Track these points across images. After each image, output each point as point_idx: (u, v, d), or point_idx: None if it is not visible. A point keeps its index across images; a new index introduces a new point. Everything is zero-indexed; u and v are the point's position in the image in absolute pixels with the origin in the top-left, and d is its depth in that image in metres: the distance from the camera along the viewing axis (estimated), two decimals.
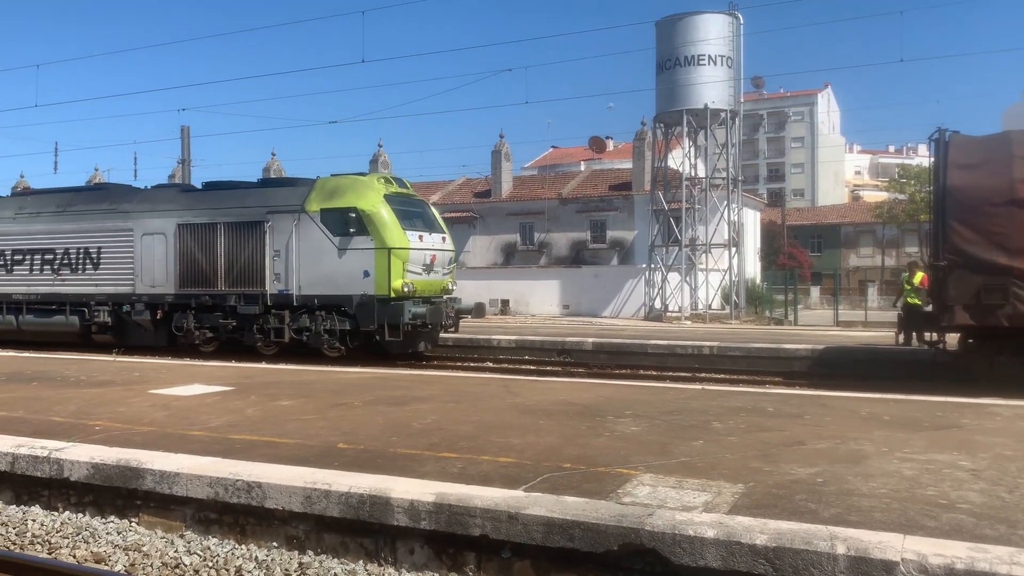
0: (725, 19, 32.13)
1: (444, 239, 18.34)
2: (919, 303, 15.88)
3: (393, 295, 16.45)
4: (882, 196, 71.35)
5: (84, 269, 19.80)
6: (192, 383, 11.20)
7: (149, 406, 9.21)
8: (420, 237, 17.28)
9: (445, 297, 17.97)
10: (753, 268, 41.98)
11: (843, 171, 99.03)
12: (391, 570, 5.32)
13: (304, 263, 17.20)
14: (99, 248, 19.61)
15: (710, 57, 31.64)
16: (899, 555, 4.08)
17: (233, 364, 14.93)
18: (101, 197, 20.52)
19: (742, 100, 34.79)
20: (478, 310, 18.92)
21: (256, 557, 5.58)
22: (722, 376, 15.42)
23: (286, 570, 5.39)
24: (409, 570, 5.28)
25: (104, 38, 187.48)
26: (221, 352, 18.02)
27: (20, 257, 20.66)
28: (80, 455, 6.52)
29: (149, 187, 21.18)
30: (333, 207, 16.99)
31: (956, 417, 8.21)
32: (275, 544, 5.71)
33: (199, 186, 20.29)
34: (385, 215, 16.69)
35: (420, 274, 17.12)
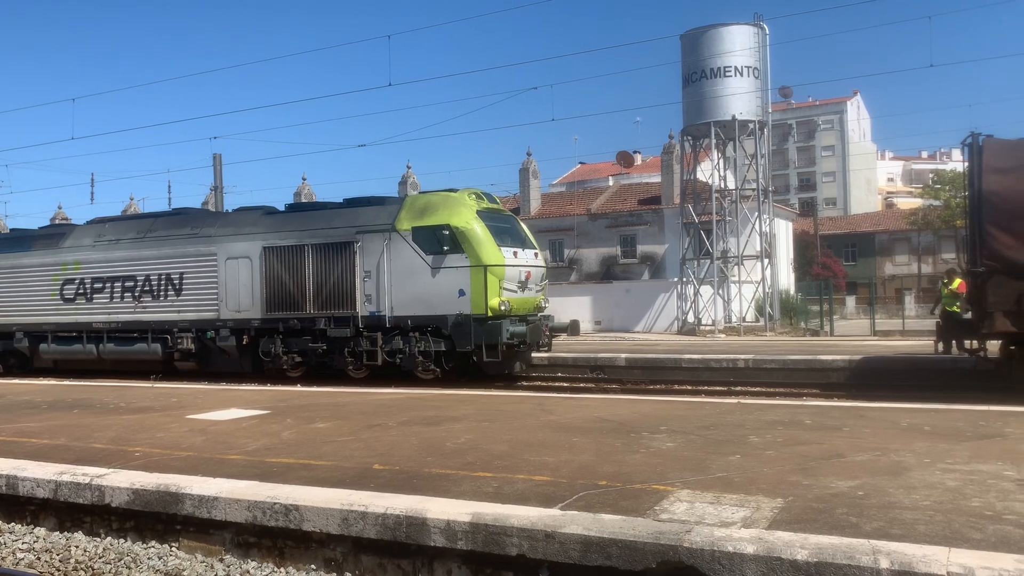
0: (750, 30, 32.07)
1: (536, 255, 17.92)
2: (958, 310, 15.60)
3: (490, 314, 15.92)
4: (916, 203, 70.37)
5: (166, 295, 19.48)
6: (229, 407, 11.32)
7: (187, 431, 9.32)
8: (515, 253, 16.83)
9: (539, 315, 17.48)
10: (787, 279, 41.58)
11: (875, 178, 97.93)
12: None
13: (396, 283, 16.76)
14: (181, 274, 19.31)
15: (736, 68, 31.58)
16: (945, 568, 4.00)
17: (269, 388, 15.08)
18: (182, 222, 20.21)
19: (770, 110, 34.63)
20: (573, 327, 18.36)
21: None
22: (758, 389, 15.25)
23: None
24: None
25: (136, 70, 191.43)
26: (308, 377, 17.69)
27: (100, 285, 20.34)
28: (121, 481, 6.61)
29: (230, 211, 21.09)
30: (425, 225, 16.55)
31: (1000, 426, 8.04)
32: (313, 567, 5.74)
33: (281, 208, 19.92)
34: (479, 231, 16.25)
35: (515, 291, 16.63)
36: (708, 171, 34.11)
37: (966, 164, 13.11)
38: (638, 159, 55.94)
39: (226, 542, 6.12)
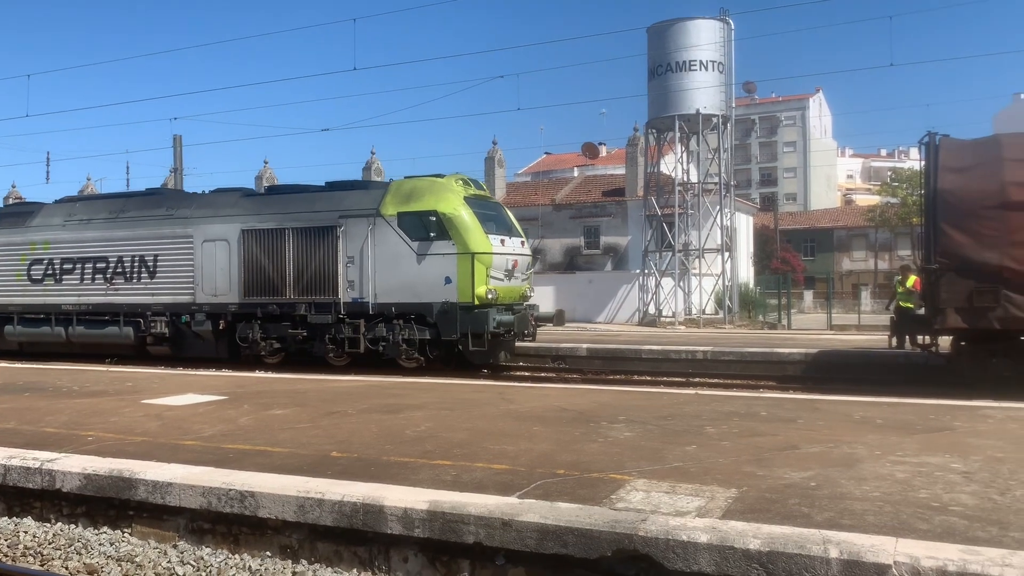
0: (716, 25, 32.29)
1: (523, 243, 17.72)
2: (912, 306, 15.92)
3: (477, 302, 15.72)
4: (874, 200, 71.62)
5: (139, 278, 19.01)
6: (186, 393, 11.17)
7: (142, 416, 9.18)
8: (502, 241, 16.62)
9: (525, 304, 17.31)
10: (746, 272, 42.07)
11: (835, 175, 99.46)
12: None
13: (380, 270, 16.49)
14: (156, 256, 18.84)
15: (702, 63, 31.79)
16: (892, 558, 4.09)
17: (227, 373, 14.90)
18: (157, 203, 19.67)
19: (734, 105, 34.94)
20: (559, 317, 18.21)
21: (250, 567, 5.57)
22: (716, 381, 15.43)
23: None
24: None
25: (95, 48, 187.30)
26: (286, 364, 17.34)
27: (70, 266, 19.75)
28: (72, 466, 6.49)
29: (207, 192, 20.68)
30: (411, 210, 16.28)
31: (948, 420, 8.23)
32: (269, 553, 5.70)
33: (261, 190, 19.49)
34: (467, 218, 15.99)
35: (502, 280, 16.40)
36: (672, 164, 34.34)
37: (923, 163, 13.38)
38: (603, 151, 56.14)
39: (180, 528, 6.04)
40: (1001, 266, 11.87)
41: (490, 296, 15.81)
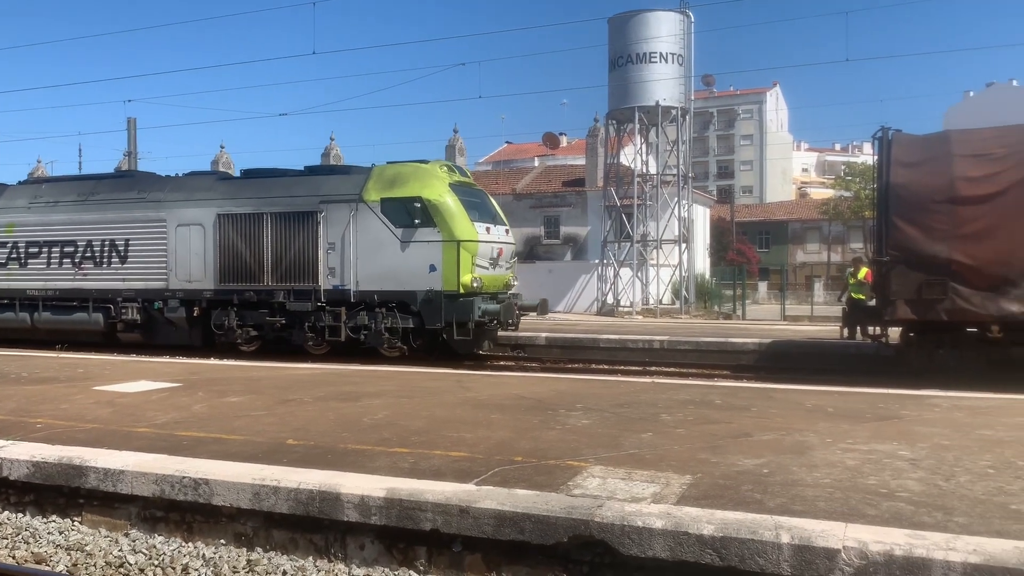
0: (676, 17, 32.44)
1: (507, 231, 17.52)
2: (863, 298, 16.22)
3: (462, 291, 15.54)
4: (828, 193, 72.77)
5: (110, 263, 18.42)
6: (138, 379, 10.97)
7: (93, 403, 8.99)
8: (487, 229, 16.41)
9: (509, 293, 17.13)
10: (703, 263, 42.51)
11: (791, 168, 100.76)
12: (341, 566, 5.28)
13: (362, 256, 16.21)
14: (127, 240, 18.29)
15: (662, 55, 31.94)
16: (841, 543, 4.17)
17: (181, 360, 14.67)
18: (128, 185, 19.10)
19: (692, 98, 35.20)
20: (543, 307, 18.05)
21: (203, 555, 5.50)
22: (672, 369, 15.59)
23: (234, 567, 5.32)
24: (359, 565, 5.25)
25: (45, 26, 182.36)
26: (263, 352, 16.97)
27: (36, 250, 19.06)
28: (20, 453, 6.34)
29: (181, 175, 20.09)
30: (395, 196, 16.01)
31: (897, 408, 8.42)
32: (223, 541, 5.63)
33: (236, 174, 18.73)
34: (452, 205, 15.77)
35: (487, 268, 16.21)
36: (631, 155, 34.51)
37: (876, 157, 13.61)
38: (564, 141, 56.27)
39: (132, 516, 5.94)
40: (950, 259, 12.15)
41: (475, 284, 15.66)
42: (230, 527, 5.64)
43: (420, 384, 10.56)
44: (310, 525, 5.39)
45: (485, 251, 16.17)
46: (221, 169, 37.84)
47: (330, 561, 5.33)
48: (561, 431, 7.20)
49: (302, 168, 18.10)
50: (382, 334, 16.05)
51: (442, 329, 15.74)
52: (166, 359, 14.84)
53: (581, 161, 42.10)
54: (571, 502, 4.86)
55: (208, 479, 5.61)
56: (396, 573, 5.12)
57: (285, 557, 5.41)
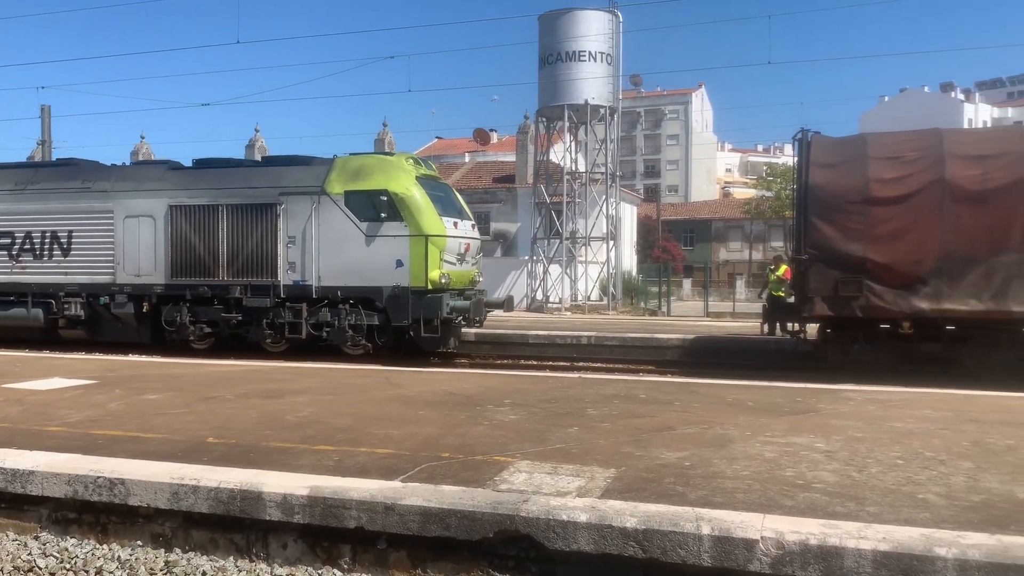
0: (605, 16, 32.73)
1: (473, 226, 17.17)
2: (783, 295, 16.67)
3: (430, 287, 15.22)
4: (750, 193, 74.56)
5: (51, 255, 17.47)
6: (51, 376, 10.55)
7: (1, 401, 8.61)
8: (455, 224, 16.08)
9: (475, 289, 16.84)
10: (630, 261, 43.08)
11: (715, 168, 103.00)
12: (263, 565, 5.17)
13: (325, 251, 15.72)
14: (70, 232, 17.36)
15: (591, 53, 32.19)
16: (759, 533, 4.27)
17: (97, 357, 14.17)
18: (71, 174, 18.13)
19: (621, 97, 35.57)
20: (508, 303, 17.73)
21: (119, 557, 5.32)
22: (599, 365, 15.78)
23: (151, 569, 5.16)
24: (282, 564, 5.15)
25: None
26: (217, 350, 16.34)
27: None
28: None
29: (129, 164, 18.98)
30: (360, 189, 15.54)
31: (814, 402, 8.68)
32: (139, 543, 5.46)
33: (188, 164, 18.05)
34: (420, 199, 15.40)
35: (454, 264, 15.88)
36: (561, 153, 34.73)
37: (796, 159, 13.99)
38: (494, 137, 56.28)
39: (42, 519, 5.71)
40: (864, 258, 12.57)
41: (443, 280, 15.34)
42: (147, 528, 5.48)
43: (347, 381, 10.43)
44: (231, 525, 5.26)
45: (453, 246, 15.89)
46: (141, 159, 36.67)
47: (251, 561, 5.22)
48: (489, 427, 7.20)
49: (259, 159, 17.51)
50: (346, 331, 15.62)
51: (409, 326, 15.40)
52: (82, 355, 14.32)
53: (511, 158, 42.17)
54: (497, 497, 4.86)
55: (124, 479, 5.43)
56: (319, 572, 5.04)
57: (205, 558, 5.28)
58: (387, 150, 41.64)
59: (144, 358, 14.12)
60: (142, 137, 44.80)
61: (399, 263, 15.32)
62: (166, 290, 16.83)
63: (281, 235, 16.02)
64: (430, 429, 7.06)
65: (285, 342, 16.36)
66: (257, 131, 44.00)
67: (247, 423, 7.38)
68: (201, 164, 18.25)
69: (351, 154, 16.83)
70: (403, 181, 15.59)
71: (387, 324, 15.58)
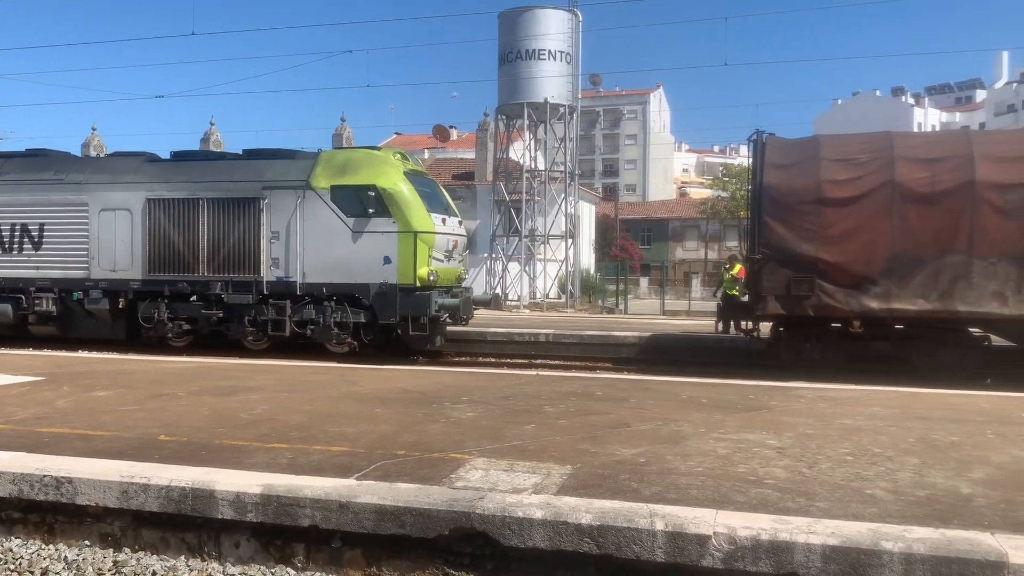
0: (565, 15, 32.85)
1: (460, 223, 16.93)
2: (737, 293, 16.89)
3: (418, 284, 14.96)
4: (706, 193, 75.41)
5: (21, 249, 16.84)
6: None
7: None
8: (443, 220, 15.85)
9: (462, 286, 16.61)
10: (588, 259, 43.32)
11: (672, 168, 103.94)
12: (215, 564, 5.09)
13: (310, 247, 15.40)
14: (41, 225, 16.76)
15: (550, 52, 32.28)
16: (712, 529, 4.32)
17: (45, 353, 13.84)
18: (42, 165, 17.54)
19: (580, 96, 35.74)
20: (495, 301, 17.50)
21: (65, 557, 5.20)
22: (557, 362, 15.84)
23: (99, 569, 5.05)
24: (234, 563, 5.08)
25: None
26: (195, 347, 15.91)
27: None
28: None
29: (103, 156, 18.27)
30: (347, 184, 15.22)
31: (766, 399, 8.80)
32: (87, 543, 5.34)
33: (165, 156, 17.53)
34: (408, 194, 15.10)
35: (442, 261, 15.65)
36: (520, 151, 34.78)
37: (751, 159, 14.19)
38: (454, 134, 56.13)
39: None
40: (816, 258, 12.80)
41: (432, 278, 15.13)
42: (95, 527, 5.36)
43: (302, 378, 10.33)
44: (182, 523, 5.17)
45: (441, 243, 15.67)
46: (92, 152, 35.89)
47: (203, 560, 5.14)
48: (445, 424, 7.18)
49: (240, 152, 17.08)
50: (331, 329, 15.33)
51: (397, 324, 15.17)
52: (30, 351, 13.97)
53: (471, 155, 42.14)
54: (453, 495, 4.85)
55: (72, 477, 5.30)
56: (273, 571, 4.98)
57: (155, 557, 5.18)
58: (346, 146, 41.31)
59: (95, 354, 13.82)
60: (93, 129, 43.87)
61: (387, 260, 15.08)
62: (143, 286, 16.42)
63: (264, 230, 15.72)
64: (386, 427, 7.01)
65: (267, 340, 16.07)
66: (212, 125, 43.31)
67: (200, 420, 7.26)
68: (180, 157, 17.89)
69: (337, 148, 16.59)
70: (391, 176, 15.36)
71: (374, 322, 15.34)
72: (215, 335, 16.33)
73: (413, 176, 15.88)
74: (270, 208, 15.70)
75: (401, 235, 15.01)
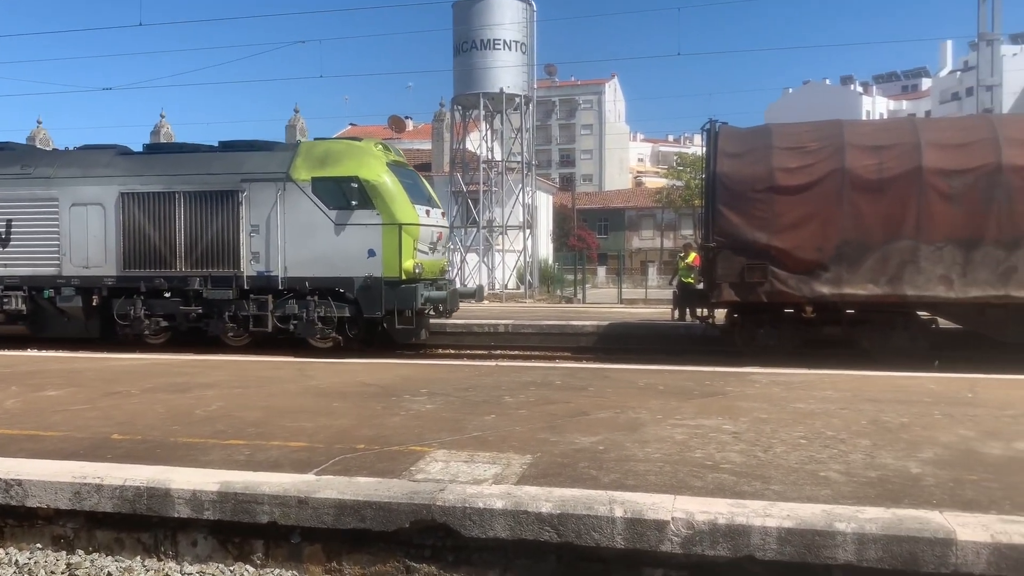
0: (520, 5, 32.80)
1: (443, 215, 16.61)
2: (692, 281, 17.06)
3: (404, 277, 14.69)
4: (662, 183, 75.98)
5: None
6: None
7: None
8: (427, 212, 15.57)
9: (446, 279, 16.30)
10: (546, 249, 43.46)
11: (628, 158, 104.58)
12: (172, 564, 5.02)
13: (291, 240, 15.05)
14: (9, 220, 16.14)
15: (505, 42, 32.23)
16: (670, 514, 4.37)
17: None
18: (8, 159, 16.87)
19: (535, 86, 35.76)
20: (479, 293, 17.32)
21: (16, 561, 5.08)
22: (516, 352, 15.85)
23: (52, 572, 4.95)
24: (192, 562, 5.01)
25: None
26: (173, 345, 15.46)
27: None
28: None
29: (72, 149, 17.33)
30: (329, 176, 14.88)
31: (722, 385, 8.92)
32: (39, 546, 5.23)
33: (138, 149, 16.90)
34: (392, 186, 14.82)
35: (427, 253, 15.40)
36: (477, 141, 34.70)
37: (704, 148, 14.31)
38: (410, 125, 55.85)
39: None
40: (769, 245, 12.97)
41: (417, 271, 14.88)
42: (47, 530, 5.24)
43: (258, 373, 10.21)
44: (137, 523, 5.09)
45: (426, 235, 15.43)
46: (39, 146, 34.94)
47: (160, 560, 5.06)
48: (405, 417, 7.15)
49: (215, 144, 16.65)
50: (315, 324, 15.04)
51: (382, 318, 14.94)
52: None
53: (427, 146, 41.93)
54: (413, 487, 4.83)
55: (21, 479, 5.18)
56: (231, 568, 4.93)
57: (110, 558, 5.09)
58: (300, 138, 40.82)
59: (45, 353, 13.51)
60: (39, 122, 42.66)
61: (371, 252, 14.81)
62: (118, 282, 15.95)
63: (244, 224, 15.36)
64: (344, 421, 6.96)
65: (248, 336, 15.74)
66: (163, 117, 42.55)
67: (154, 418, 7.14)
68: (153, 149, 17.32)
69: (316, 139, 16.32)
70: (374, 167, 15.08)
71: (359, 316, 15.10)
72: (194, 332, 15.99)
73: (395, 167, 15.67)
74: (249, 201, 15.37)
75: (385, 227, 14.79)
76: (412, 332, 15.33)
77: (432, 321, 18.36)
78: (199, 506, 4.92)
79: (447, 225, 17.17)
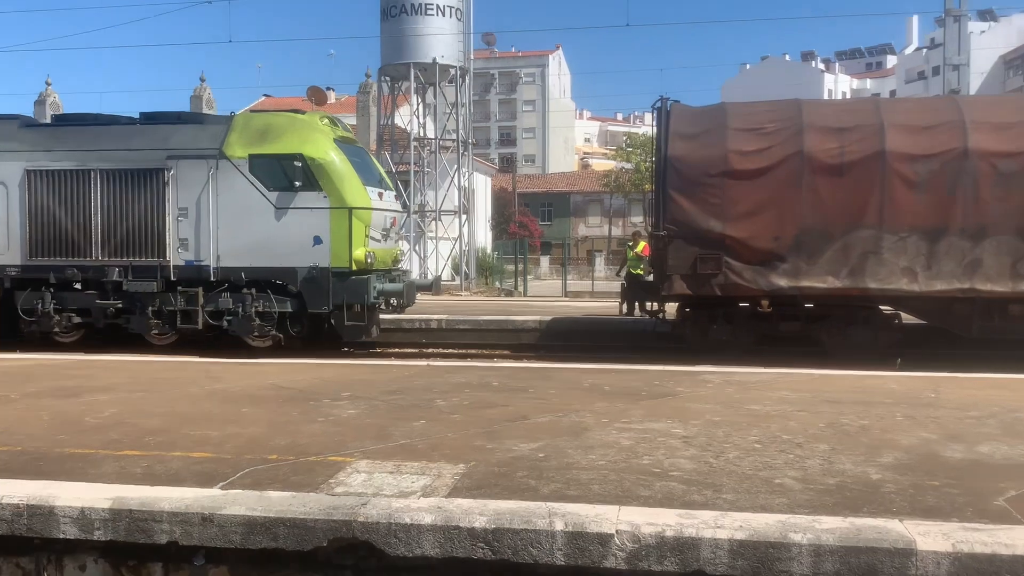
0: None
1: (397, 198, 16.01)
2: (641, 272, 17.26)
3: (354, 267, 14.24)
4: (610, 165, 76.75)
5: None
6: None
7: None
8: (380, 195, 15.09)
9: (400, 269, 15.93)
10: (484, 237, 43.48)
11: (573, 138, 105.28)
12: None
13: (225, 226, 14.52)
14: None
15: (438, 7, 32.03)
16: (614, 527, 4.41)
17: None
18: None
19: (472, 57, 35.69)
20: (436, 285, 16.99)
21: None
22: (450, 351, 15.84)
23: None
24: None
25: None
26: (88, 343, 14.84)
27: None
28: None
29: None
30: (268, 153, 14.38)
31: (672, 385, 9.05)
32: None
33: (46, 120, 15.97)
34: (341, 165, 14.31)
35: (379, 241, 14.92)
36: (407, 117, 34.47)
37: (655, 129, 14.45)
38: (332, 97, 55.16)
39: None
40: (723, 234, 13.18)
41: (369, 260, 14.42)
42: None
43: (159, 376, 10.01)
44: (16, 547, 4.94)
45: (378, 220, 15.01)
46: None
47: None
48: (324, 423, 7.08)
49: (136, 115, 15.93)
50: (251, 320, 14.54)
51: (329, 313, 14.52)
52: None
53: (352, 120, 41.43)
54: (332, 502, 4.79)
55: None
56: None
57: None
58: (206, 110, 40.03)
59: None
60: None
61: (317, 240, 14.36)
62: (23, 272, 15.27)
63: (170, 207, 14.80)
64: (255, 428, 6.86)
65: (175, 333, 15.20)
66: (49, 85, 41.21)
67: (37, 427, 6.93)
68: (62, 121, 16.59)
69: (253, 111, 15.72)
70: (320, 144, 14.55)
71: (302, 311, 14.68)
72: (113, 329, 15.40)
73: (344, 144, 15.24)
74: (176, 181, 14.82)
75: (334, 212, 14.33)
76: (362, 329, 14.95)
77: None
78: (88, 526, 4.80)
79: (401, 210, 16.80)
